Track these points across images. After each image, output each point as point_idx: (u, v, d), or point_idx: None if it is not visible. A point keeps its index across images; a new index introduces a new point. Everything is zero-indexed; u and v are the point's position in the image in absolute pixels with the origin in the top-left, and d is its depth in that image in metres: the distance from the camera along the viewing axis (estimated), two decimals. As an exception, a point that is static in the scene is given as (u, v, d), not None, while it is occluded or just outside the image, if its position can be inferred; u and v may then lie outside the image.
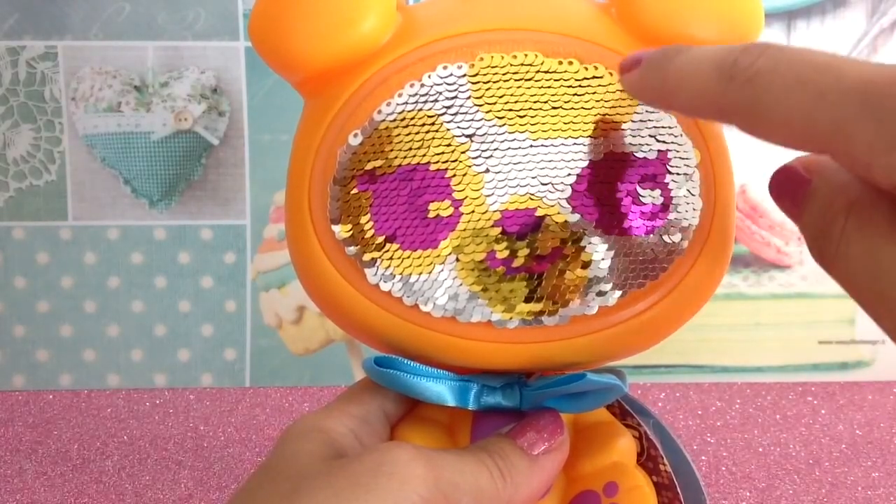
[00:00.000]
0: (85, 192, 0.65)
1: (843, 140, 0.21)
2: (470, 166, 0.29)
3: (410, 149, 0.30)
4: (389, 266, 0.29)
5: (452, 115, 0.30)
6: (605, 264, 0.29)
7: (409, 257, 0.29)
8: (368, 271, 0.29)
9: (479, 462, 0.28)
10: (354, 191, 0.30)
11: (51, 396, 0.66)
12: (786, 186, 0.24)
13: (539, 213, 0.29)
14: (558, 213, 0.29)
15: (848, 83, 0.20)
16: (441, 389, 0.30)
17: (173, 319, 0.66)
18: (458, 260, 0.29)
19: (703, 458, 0.58)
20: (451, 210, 0.29)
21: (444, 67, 0.30)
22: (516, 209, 0.29)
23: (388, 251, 0.29)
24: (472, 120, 0.29)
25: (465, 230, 0.29)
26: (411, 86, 0.30)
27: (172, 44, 0.64)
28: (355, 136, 0.30)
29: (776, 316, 0.65)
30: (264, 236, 0.66)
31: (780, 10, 0.65)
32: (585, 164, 0.29)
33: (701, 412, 0.63)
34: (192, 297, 0.66)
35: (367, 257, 0.29)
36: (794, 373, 0.66)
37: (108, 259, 0.66)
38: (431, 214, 0.29)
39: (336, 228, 0.30)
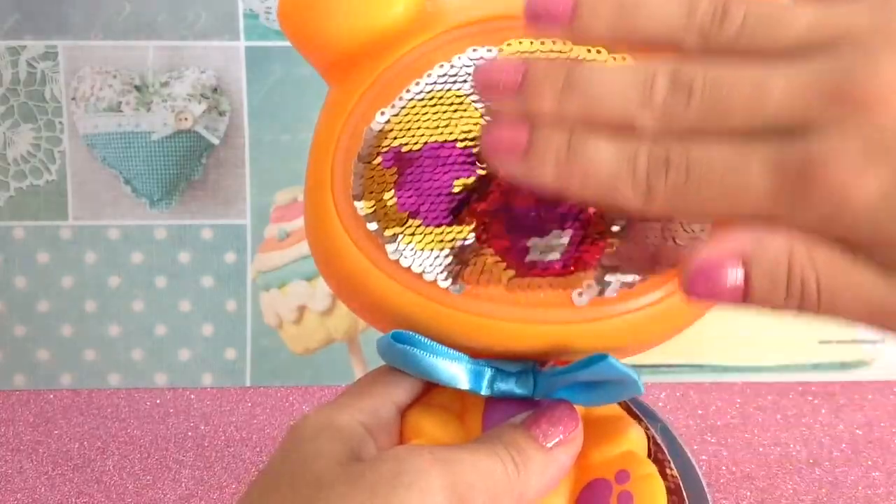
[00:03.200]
0: (85, 191, 0.65)
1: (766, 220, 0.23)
2: None
3: (438, 126, 0.30)
4: (411, 241, 0.29)
5: None
6: (626, 247, 0.29)
7: (430, 233, 0.29)
8: (389, 247, 0.29)
9: (494, 454, 0.28)
10: (379, 167, 0.30)
11: (51, 396, 0.66)
12: (718, 278, 0.23)
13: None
14: None
15: (758, 188, 0.23)
16: (456, 371, 0.29)
17: (174, 319, 0.66)
18: None
19: (704, 457, 0.58)
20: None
21: (474, 50, 0.30)
22: None
23: (410, 227, 0.29)
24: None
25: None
26: (440, 66, 0.30)
27: (173, 43, 0.64)
28: (382, 114, 0.30)
29: (776, 315, 0.65)
30: (265, 236, 0.66)
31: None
32: None
33: (701, 412, 0.63)
34: (193, 296, 0.66)
35: (388, 233, 0.29)
36: (795, 372, 0.66)
37: (109, 259, 0.66)
38: (456, 190, 0.29)
39: (359, 205, 0.30)
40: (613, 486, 0.29)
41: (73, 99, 0.64)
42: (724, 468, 0.57)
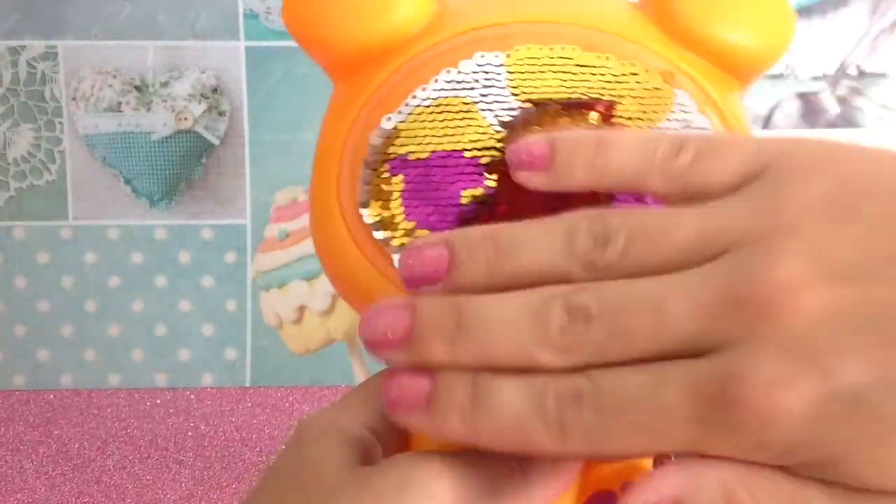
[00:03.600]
0: (85, 191, 0.65)
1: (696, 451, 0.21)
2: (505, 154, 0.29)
3: (445, 135, 0.29)
4: None
5: (489, 103, 0.29)
6: None
7: None
8: (396, 257, 0.29)
9: (500, 461, 0.27)
10: (386, 175, 0.29)
11: (51, 396, 0.66)
12: None
13: (572, 201, 0.29)
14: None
15: (679, 417, 0.21)
16: None
17: (174, 319, 0.66)
18: None
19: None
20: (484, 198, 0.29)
21: (482, 56, 0.29)
22: None
23: (417, 237, 0.29)
24: (510, 108, 0.29)
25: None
26: (447, 72, 0.30)
27: (173, 43, 0.64)
28: (388, 119, 0.30)
29: None
30: (265, 236, 0.66)
31: (781, 9, 0.65)
32: None
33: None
34: (193, 296, 0.66)
35: (395, 242, 0.29)
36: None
37: (109, 259, 0.66)
38: (464, 202, 0.29)
39: (365, 212, 0.29)
40: (619, 497, 0.29)
41: (73, 99, 0.64)
42: (723, 468, 0.57)
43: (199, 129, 0.64)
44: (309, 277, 0.66)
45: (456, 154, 0.29)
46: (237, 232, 0.66)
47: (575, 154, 0.25)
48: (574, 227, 0.23)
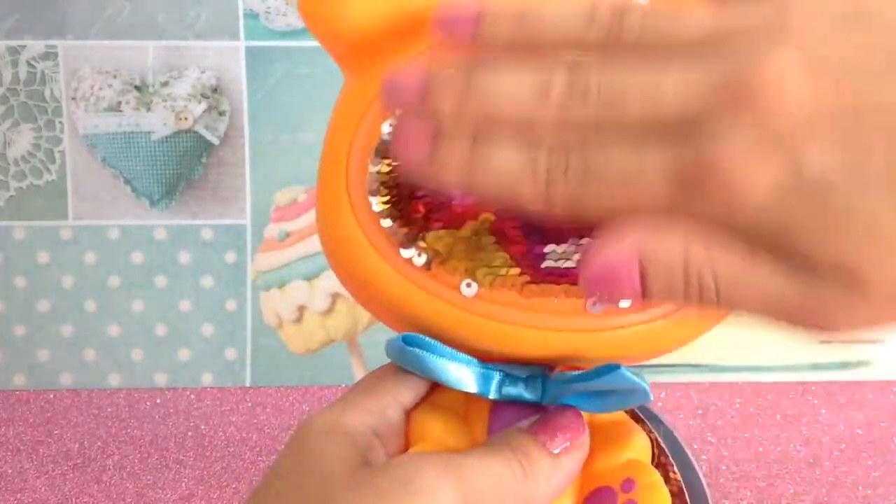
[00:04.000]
0: (85, 191, 0.65)
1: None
2: None
3: None
4: (426, 241, 0.29)
5: None
6: None
7: (446, 235, 0.29)
8: (403, 245, 0.29)
9: (502, 459, 0.28)
10: (396, 164, 0.29)
11: (51, 396, 0.66)
12: (616, 278, 0.23)
13: None
14: None
15: (655, 188, 0.23)
16: (464, 374, 0.29)
17: (174, 319, 0.66)
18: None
19: (704, 457, 0.58)
20: None
21: None
22: None
23: (426, 226, 0.29)
24: None
25: None
26: None
27: (173, 43, 0.64)
28: None
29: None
30: (265, 236, 0.66)
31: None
32: None
33: (701, 412, 0.63)
34: (193, 296, 0.66)
35: (403, 230, 0.29)
36: (795, 372, 0.66)
37: (109, 259, 0.66)
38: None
39: (373, 200, 0.29)
40: (619, 494, 0.29)
41: (73, 99, 0.64)
42: (724, 468, 0.57)
43: (199, 129, 0.64)
44: (309, 277, 0.66)
45: None
46: (237, 232, 0.66)
47: (499, 23, 0.25)
48: (597, 3, 0.24)
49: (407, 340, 0.29)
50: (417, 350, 0.29)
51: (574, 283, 0.28)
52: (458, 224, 0.29)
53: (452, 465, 0.26)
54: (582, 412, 0.30)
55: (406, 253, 0.29)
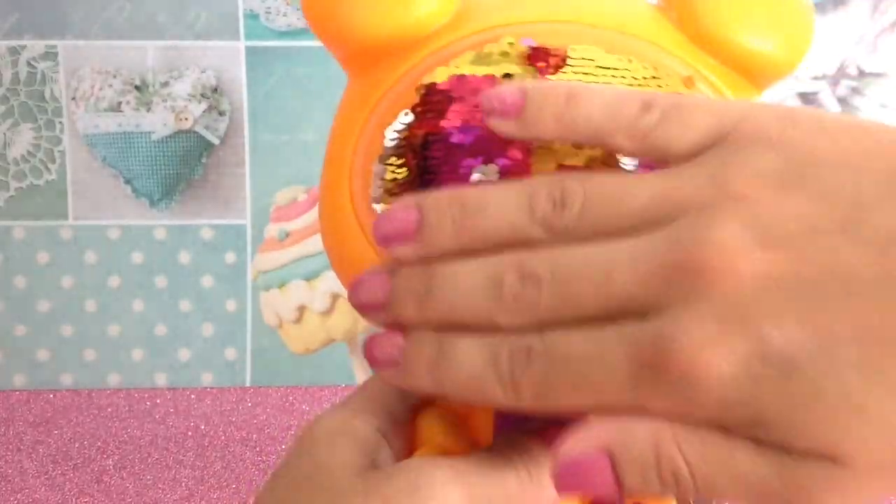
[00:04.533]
0: (85, 191, 0.65)
1: (635, 410, 0.22)
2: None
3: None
4: None
5: None
6: None
7: None
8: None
9: (510, 466, 0.28)
10: (402, 169, 0.29)
11: (51, 396, 0.66)
12: (587, 475, 0.23)
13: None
14: None
15: (617, 374, 0.22)
16: None
17: (174, 319, 0.66)
18: None
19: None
20: None
21: (510, 46, 0.29)
22: None
23: None
24: None
25: None
26: None
27: (173, 43, 0.64)
28: (406, 114, 0.30)
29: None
30: (265, 236, 0.66)
31: (781, 9, 0.65)
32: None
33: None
34: (193, 296, 0.66)
35: None
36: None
37: (109, 259, 0.66)
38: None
39: (378, 208, 0.29)
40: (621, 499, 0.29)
41: (74, 99, 0.64)
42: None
43: (199, 129, 0.64)
44: (309, 277, 0.66)
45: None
46: (237, 232, 0.66)
47: (545, 105, 0.25)
48: (535, 191, 0.24)
49: None
50: None
51: None
52: None
53: (460, 472, 0.26)
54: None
55: None
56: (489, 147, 0.29)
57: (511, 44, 0.29)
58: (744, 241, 0.21)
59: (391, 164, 0.29)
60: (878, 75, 0.68)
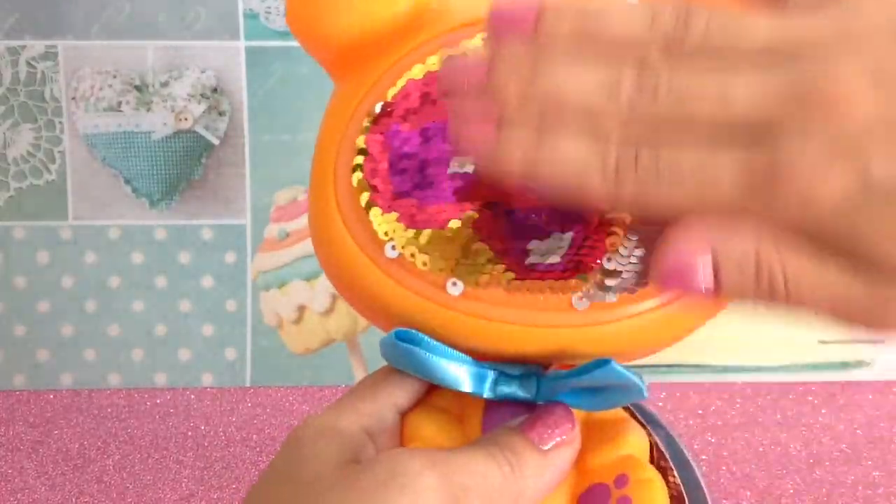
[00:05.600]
0: (85, 191, 0.65)
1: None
2: None
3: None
4: (408, 239, 0.29)
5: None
6: (626, 251, 0.28)
7: (429, 233, 0.29)
8: (387, 246, 0.29)
9: (489, 456, 0.27)
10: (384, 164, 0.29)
11: (51, 396, 0.66)
12: (690, 273, 0.24)
13: None
14: None
15: (727, 189, 0.24)
16: (458, 373, 0.29)
17: (174, 319, 0.66)
18: None
19: (704, 457, 0.58)
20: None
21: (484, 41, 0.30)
22: None
23: (406, 219, 0.29)
24: None
25: None
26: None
27: (173, 43, 0.64)
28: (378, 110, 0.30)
29: (776, 315, 0.65)
30: (265, 236, 0.66)
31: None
32: None
33: (701, 412, 0.63)
34: (193, 296, 0.66)
35: (384, 227, 0.29)
36: (795, 373, 0.66)
37: (109, 259, 0.66)
38: (451, 172, 0.29)
39: (363, 196, 0.30)
40: (612, 490, 0.29)
41: (73, 99, 0.64)
42: (724, 468, 0.57)
43: (199, 129, 0.64)
44: (309, 277, 0.66)
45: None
46: (237, 232, 0.66)
47: (563, 18, 0.25)
48: (660, 9, 0.24)
49: (400, 336, 0.29)
50: (411, 347, 0.29)
51: (559, 278, 0.28)
52: (442, 223, 0.29)
53: (438, 460, 0.26)
54: (576, 410, 0.30)
55: (391, 253, 0.29)
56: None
57: (485, 39, 0.29)
58: (864, 84, 0.22)
59: (359, 171, 0.29)
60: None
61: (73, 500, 0.56)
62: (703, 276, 0.24)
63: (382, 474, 0.26)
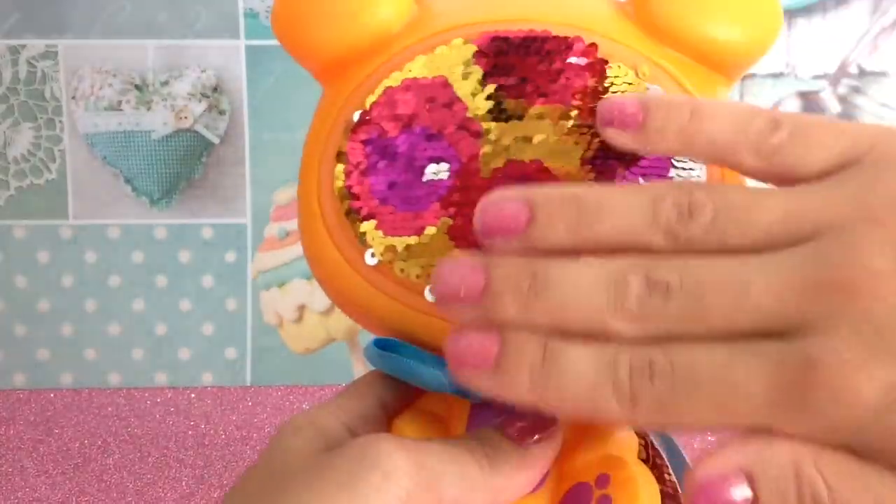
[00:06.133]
0: (85, 190, 0.65)
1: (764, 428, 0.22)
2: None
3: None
4: (382, 243, 0.29)
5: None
6: None
7: (403, 238, 0.29)
8: (367, 252, 0.30)
9: (466, 450, 0.27)
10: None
11: (52, 395, 0.66)
12: (725, 498, 0.22)
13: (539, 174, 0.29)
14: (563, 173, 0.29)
15: (751, 395, 0.21)
16: (440, 376, 0.29)
17: (174, 318, 0.66)
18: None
19: (704, 457, 0.58)
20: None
21: (460, 46, 0.30)
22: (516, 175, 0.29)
23: (381, 222, 0.30)
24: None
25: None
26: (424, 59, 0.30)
27: (173, 42, 0.64)
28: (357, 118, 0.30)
29: None
30: (265, 235, 0.66)
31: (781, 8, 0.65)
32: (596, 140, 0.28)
33: (701, 411, 0.63)
34: (193, 295, 0.66)
35: (362, 228, 0.30)
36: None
37: (109, 258, 0.66)
38: (425, 179, 0.29)
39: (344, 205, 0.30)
40: (594, 489, 0.29)
41: (74, 98, 0.64)
42: (724, 468, 0.57)
43: (199, 128, 0.64)
44: (309, 277, 0.66)
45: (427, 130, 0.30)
46: (237, 231, 0.66)
47: (668, 119, 0.25)
48: (660, 197, 0.23)
49: (379, 345, 0.29)
50: (391, 354, 0.29)
51: None
52: (418, 230, 0.29)
53: (411, 446, 0.26)
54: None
55: (371, 260, 0.29)
56: (436, 145, 0.29)
57: (461, 46, 0.30)
58: (888, 266, 0.20)
59: (342, 167, 0.30)
60: (879, 74, 0.68)
61: (74, 498, 0.56)
62: (742, 500, 0.22)
63: (352, 456, 0.26)
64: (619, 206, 0.23)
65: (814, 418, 0.21)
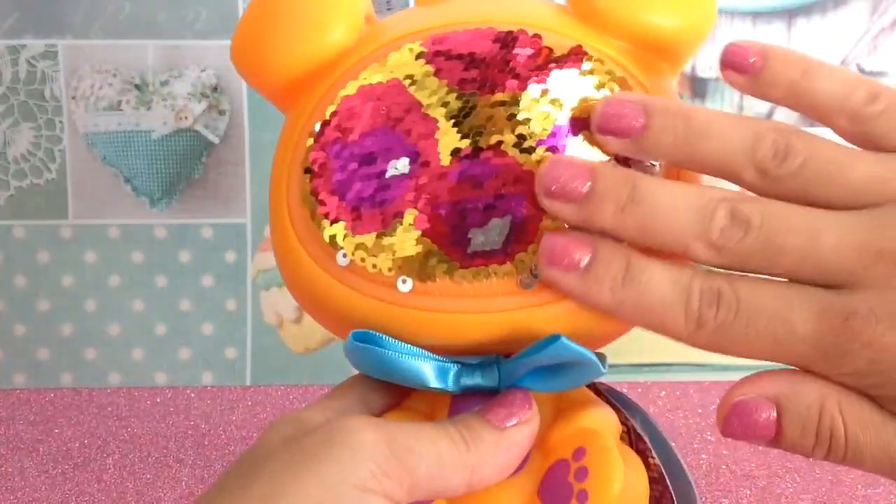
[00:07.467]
0: (85, 190, 0.65)
1: (803, 366, 0.25)
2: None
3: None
4: (350, 241, 0.30)
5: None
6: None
7: (370, 235, 0.30)
8: (338, 254, 0.30)
9: (440, 430, 0.28)
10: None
11: (52, 395, 0.66)
12: (754, 421, 0.25)
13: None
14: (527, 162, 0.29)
15: (800, 334, 0.24)
16: (420, 368, 0.30)
17: (174, 318, 0.66)
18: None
19: (704, 456, 0.58)
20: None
21: (410, 50, 0.32)
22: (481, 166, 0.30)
23: (346, 221, 0.31)
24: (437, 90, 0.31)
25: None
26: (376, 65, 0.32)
27: (173, 42, 0.64)
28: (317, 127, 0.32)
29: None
30: (265, 235, 0.66)
31: (781, 8, 0.65)
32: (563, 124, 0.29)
33: (701, 410, 0.63)
34: (193, 295, 0.66)
35: (328, 231, 0.31)
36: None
37: (109, 258, 0.66)
38: (388, 175, 0.30)
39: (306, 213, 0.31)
40: (571, 463, 0.29)
41: (73, 98, 0.64)
42: (724, 467, 0.57)
43: (199, 128, 0.64)
44: (309, 276, 0.66)
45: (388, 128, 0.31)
46: (237, 231, 0.66)
47: (783, 72, 0.27)
48: (762, 134, 0.25)
49: (358, 337, 0.30)
50: (370, 347, 0.29)
51: (502, 262, 0.29)
52: (385, 224, 0.30)
53: (381, 423, 0.27)
54: (545, 396, 0.30)
55: (342, 261, 0.30)
56: (395, 143, 0.30)
57: (411, 49, 0.31)
58: None
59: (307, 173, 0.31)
60: (878, 74, 0.68)
61: (73, 498, 0.56)
62: (767, 423, 0.25)
63: (322, 434, 0.26)
64: (725, 132, 0.25)
65: (847, 364, 0.23)
